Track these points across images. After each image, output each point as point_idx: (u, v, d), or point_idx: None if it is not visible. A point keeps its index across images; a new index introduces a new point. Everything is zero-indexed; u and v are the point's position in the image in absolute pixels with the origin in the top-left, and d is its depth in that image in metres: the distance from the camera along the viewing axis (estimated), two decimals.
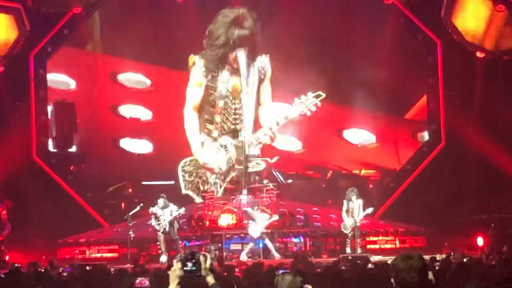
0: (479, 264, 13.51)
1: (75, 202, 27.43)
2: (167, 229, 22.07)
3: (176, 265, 5.55)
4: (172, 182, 26.98)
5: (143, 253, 23.21)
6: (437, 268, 13.24)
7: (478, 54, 26.57)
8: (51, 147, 28.74)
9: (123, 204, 28.09)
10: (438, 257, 17.47)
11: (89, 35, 29.06)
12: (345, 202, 22.43)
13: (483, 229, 24.14)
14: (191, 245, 23.48)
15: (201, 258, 5.54)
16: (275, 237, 23.20)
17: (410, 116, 31.00)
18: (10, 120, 27.06)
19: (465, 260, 16.06)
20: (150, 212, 22.20)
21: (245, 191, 21.94)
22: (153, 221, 22.16)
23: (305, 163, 31.26)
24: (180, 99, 29.33)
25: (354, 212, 22.12)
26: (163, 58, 29.96)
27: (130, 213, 22.12)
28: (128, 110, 31.08)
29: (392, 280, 5.25)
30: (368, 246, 24.28)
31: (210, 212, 23.52)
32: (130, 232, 21.85)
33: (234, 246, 22.73)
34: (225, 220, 23.20)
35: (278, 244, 23.21)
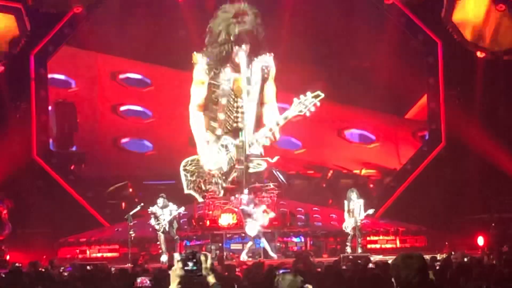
0: (479, 264, 13.50)
1: (76, 202, 27.43)
2: (166, 228, 22.09)
3: (177, 264, 5.55)
4: (173, 182, 26.99)
5: (142, 253, 23.21)
6: (437, 267, 13.25)
7: (479, 54, 26.56)
8: (51, 146, 28.75)
9: (123, 204, 28.09)
10: (438, 256, 17.49)
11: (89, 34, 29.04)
12: (346, 202, 22.44)
13: (484, 228, 24.14)
14: (192, 245, 23.48)
15: (202, 258, 5.55)
16: (275, 236, 23.21)
17: (410, 116, 31.00)
18: (10, 120, 27.06)
19: (465, 259, 16.09)
20: (149, 212, 22.21)
21: (246, 191, 21.93)
22: (152, 221, 22.17)
23: (306, 162, 31.27)
24: (181, 99, 29.32)
25: (355, 212, 22.12)
26: (163, 58, 29.97)
27: (131, 213, 22.13)
28: (129, 110, 31.10)
29: (392, 279, 5.25)
30: (369, 246, 24.27)
31: (210, 212, 23.52)
32: (131, 232, 21.85)
33: (235, 246, 22.73)
34: (226, 219, 23.21)
35: (278, 244, 23.22)
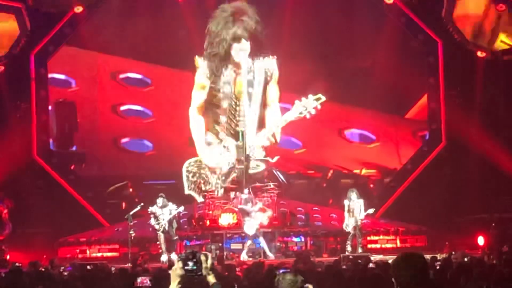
0: (480, 264, 13.49)
1: (76, 202, 27.44)
2: (166, 228, 22.09)
3: (177, 264, 5.55)
4: (173, 182, 26.98)
5: (141, 253, 23.20)
6: (438, 267, 13.25)
7: (479, 53, 26.56)
8: (52, 146, 28.75)
9: (123, 204, 28.09)
10: (439, 256, 17.47)
11: (89, 34, 29.04)
12: (346, 202, 22.44)
13: (484, 228, 24.14)
14: (192, 245, 23.48)
15: (202, 258, 5.55)
16: (276, 236, 23.21)
17: (410, 116, 30.99)
18: (11, 120, 27.07)
19: (466, 259, 16.08)
20: (149, 212, 22.21)
21: (246, 191, 21.92)
22: (152, 221, 22.17)
23: (306, 162, 31.26)
24: (181, 99, 29.31)
25: (355, 211, 22.12)
26: (163, 58, 29.97)
27: (131, 213, 22.12)
28: (129, 110, 31.10)
29: (393, 279, 5.25)
30: (369, 246, 24.27)
31: (210, 212, 23.51)
32: (131, 232, 21.85)
33: (235, 246, 22.72)
34: (226, 219, 23.20)
35: (278, 244, 23.22)
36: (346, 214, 22.31)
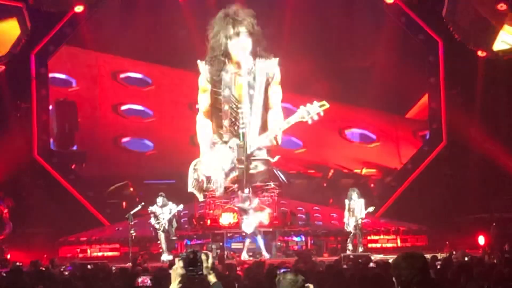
0: (480, 263, 13.50)
1: (77, 201, 27.46)
2: (166, 227, 22.09)
3: (178, 263, 5.55)
4: (173, 181, 26.99)
5: (141, 252, 23.20)
6: (438, 267, 13.25)
7: (480, 53, 26.56)
8: (52, 146, 28.77)
9: (124, 203, 28.10)
10: (439, 256, 17.46)
11: (90, 34, 29.05)
12: (346, 201, 22.44)
13: (485, 228, 24.15)
14: (193, 244, 23.49)
15: (203, 257, 5.54)
16: (276, 235, 23.22)
17: (411, 115, 30.99)
18: (11, 119, 27.09)
19: (466, 259, 16.08)
20: (149, 211, 22.21)
21: (246, 190, 21.92)
22: (152, 220, 22.17)
23: (307, 162, 31.27)
24: (181, 98, 29.41)
25: (355, 211, 22.13)
26: (164, 57, 29.99)
27: (132, 212, 22.11)
28: (130, 109, 31.11)
29: (393, 279, 5.25)
30: (370, 245, 24.29)
31: (211, 211, 23.51)
32: (132, 231, 21.85)
33: (236, 245, 22.72)
34: (227, 219, 23.19)
35: (279, 243, 23.23)
36: (346, 213, 22.31)
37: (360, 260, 16.39)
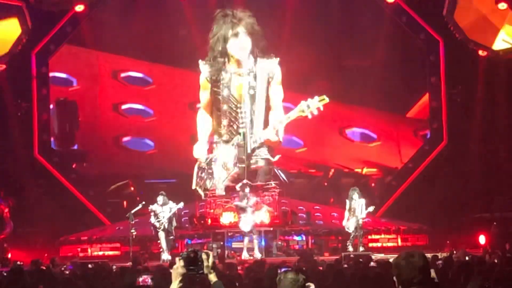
0: (481, 263, 13.49)
1: (77, 200, 27.47)
2: (166, 226, 22.08)
3: (179, 263, 5.55)
4: (174, 180, 27.00)
5: (141, 252, 23.21)
6: (439, 266, 13.25)
7: (480, 52, 26.54)
8: (53, 145, 28.77)
9: (125, 202, 28.11)
10: (440, 255, 17.46)
11: (91, 33, 29.04)
12: (347, 201, 22.43)
13: (485, 227, 24.14)
14: (193, 243, 23.49)
15: (204, 256, 5.54)
16: (277, 235, 23.23)
17: (412, 115, 30.98)
18: (12, 118, 27.08)
19: (467, 258, 16.06)
20: (149, 210, 22.21)
21: (247, 189, 21.93)
22: (152, 219, 22.16)
23: (307, 161, 31.27)
24: (182, 98, 29.40)
25: (356, 211, 22.11)
26: (165, 56, 30.00)
27: (132, 211, 22.11)
28: (130, 108, 31.11)
29: (394, 278, 5.24)
30: (370, 245, 24.27)
31: (212, 210, 23.52)
32: (132, 230, 21.85)
33: (236, 244, 22.72)
34: (227, 218, 23.20)
35: (280, 242, 23.23)
36: (346, 213, 22.30)
37: (360, 260, 16.38)
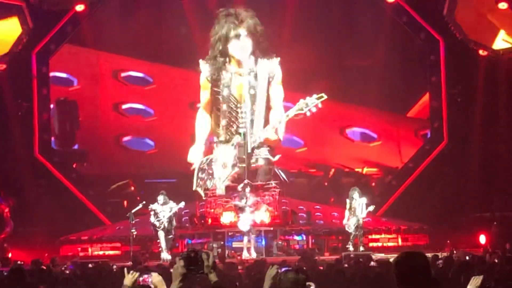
0: (481, 262, 13.50)
1: (78, 200, 27.46)
2: (166, 225, 22.07)
3: (179, 263, 5.55)
4: (174, 180, 26.99)
5: (142, 251, 23.20)
6: (439, 266, 13.25)
7: (481, 52, 26.53)
8: (53, 145, 28.77)
9: (125, 202, 28.11)
10: (440, 255, 17.46)
11: (91, 32, 29.04)
12: (347, 200, 22.43)
13: (486, 227, 24.14)
14: (194, 243, 23.49)
15: (204, 256, 5.55)
16: (277, 234, 23.23)
17: (412, 114, 30.99)
18: (12, 118, 27.07)
19: (467, 258, 16.07)
20: (149, 209, 22.21)
21: (248, 189, 21.93)
22: (152, 218, 22.16)
23: (308, 161, 31.26)
24: (182, 97, 29.38)
25: (356, 210, 22.11)
26: (165, 56, 29.99)
27: (133, 211, 22.11)
28: (131, 108, 31.11)
29: (394, 278, 5.24)
30: (371, 244, 24.26)
31: (212, 210, 23.52)
32: (133, 230, 21.85)
33: (237, 244, 22.72)
34: (228, 218, 23.20)
35: (280, 242, 23.23)
36: (347, 212, 22.29)
37: (361, 259, 16.38)
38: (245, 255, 21.63)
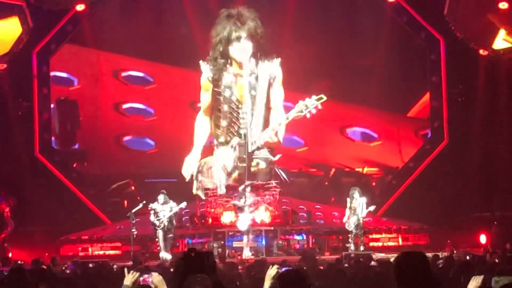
0: (482, 262, 13.49)
1: (78, 200, 27.46)
2: (166, 225, 22.06)
3: (179, 262, 5.54)
4: (175, 180, 26.97)
5: (142, 251, 23.21)
6: (440, 266, 13.24)
7: (481, 51, 26.53)
8: (54, 144, 28.77)
9: (125, 202, 28.10)
10: (441, 255, 17.46)
11: (91, 32, 29.05)
12: (348, 199, 22.43)
13: (486, 226, 24.14)
14: (194, 243, 23.49)
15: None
16: (278, 234, 23.24)
17: (413, 114, 31.00)
18: (13, 118, 27.08)
19: (468, 257, 16.07)
20: (149, 208, 22.20)
21: (248, 188, 21.93)
22: (152, 217, 22.16)
23: (308, 160, 31.26)
24: (183, 97, 29.38)
25: (357, 210, 22.11)
26: (166, 56, 29.99)
27: (133, 211, 22.12)
28: (131, 108, 31.12)
29: (394, 277, 5.24)
30: (371, 244, 24.27)
31: (213, 210, 23.51)
32: (133, 230, 21.86)
33: (237, 244, 22.72)
34: (228, 217, 23.19)
35: (281, 242, 23.23)
36: (347, 211, 22.29)
37: (361, 259, 16.38)
38: (245, 254, 21.64)
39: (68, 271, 16.07)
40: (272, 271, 5.94)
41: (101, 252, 24.72)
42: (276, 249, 22.90)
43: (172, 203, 22.22)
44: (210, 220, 23.59)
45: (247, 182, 21.76)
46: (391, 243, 24.86)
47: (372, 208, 22.36)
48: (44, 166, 27.55)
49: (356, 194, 22.30)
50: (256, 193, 22.33)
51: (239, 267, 14.43)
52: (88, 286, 11.57)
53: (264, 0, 26.78)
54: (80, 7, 27.30)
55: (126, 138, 31.10)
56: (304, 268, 12.17)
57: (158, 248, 22.27)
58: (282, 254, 22.25)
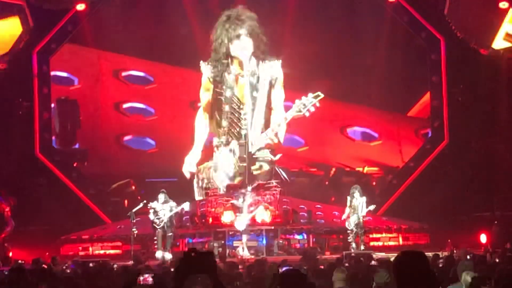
0: (482, 262, 13.49)
1: (78, 199, 27.48)
2: (166, 224, 22.06)
3: (179, 262, 5.55)
4: (175, 179, 26.97)
5: (142, 250, 23.21)
6: (440, 265, 13.24)
7: (482, 51, 26.53)
8: (54, 144, 28.78)
9: (126, 201, 28.12)
10: (441, 254, 17.46)
11: (92, 32, 29.06)
12: (348, 198, 22.44)
13: (487, 226, 24.14)
14: (194, 242, 23.50)
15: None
16: (278, 234, 23.25)
17: (413, 114, 31.01)
18: (13, 117, 27.09)
19: (468, 257, 16.06)
20: (149, 207, 22.21)
21: (249, 188, 21.94)
22: (151, 216, 22.16)
23: (308, 160, 31.28)
24: (183, 97, 29.38)
25: (357, 209, 22.12)
26: (166, 55, 30.01)
27: (134, 210, 22.13)
28: (131, 107, 31.13)
29: (394, 277, 5.24)
30: (371, 243, 24.29)
31: (213, 209, 23.51)
32: (133, 229, 21.87)
33: (237, 243, 22.73)
34: (228, 217, 23.20)
35: (281, 241, 23.24)
36: (347, 209, 22.30)
37: (362, 258, 16.38)
38: (245, 254, 21.64)
39: (68, 271, 16.08)
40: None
41: (102, 252, 24.74)
42: (276, 249, 22.91)
43: (172, 203, 22.23)
44: (210, 220, 23.60)
45: (250, 187, 21.76)
46: (391, 243, 24.87)
47: (372, 207, 22.37)
48: (45, 166, 27.56)
49: (356, 193, 22.32)
50: (257, 192, 22.34)
51: (240, 266, 14.45)
52: (88, 285, 11.56)
53: (264, 0, 26.78)
54: (80, 7, 27.32)
55: (127, 137, 31.12)
56: (305, 267, 12.17)
57: (156, 247, 22.27)
58: (282, 254, 22.26)
